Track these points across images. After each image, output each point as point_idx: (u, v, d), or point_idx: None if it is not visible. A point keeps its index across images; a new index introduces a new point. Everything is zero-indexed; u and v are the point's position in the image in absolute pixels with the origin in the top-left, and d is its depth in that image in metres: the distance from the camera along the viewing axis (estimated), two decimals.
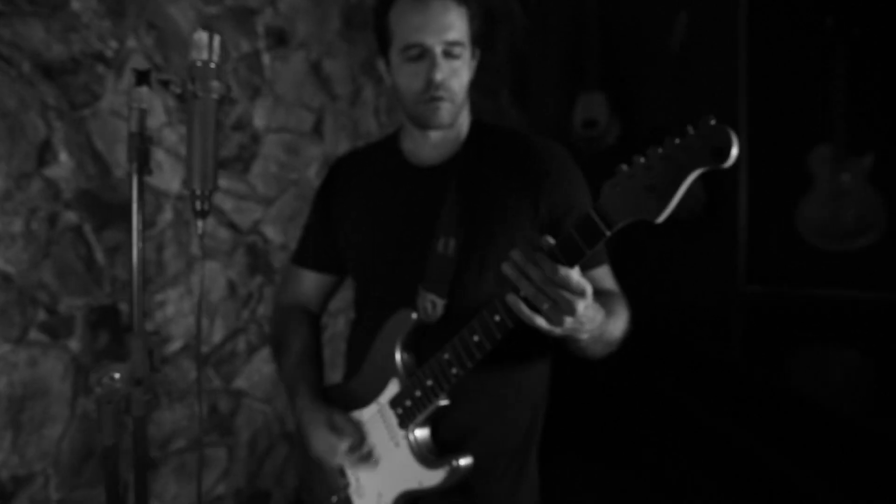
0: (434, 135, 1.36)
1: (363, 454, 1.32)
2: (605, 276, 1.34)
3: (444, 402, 1.26)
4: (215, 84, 1.17)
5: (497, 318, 1.10)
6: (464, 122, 1.39)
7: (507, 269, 1.01)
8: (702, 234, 3.42)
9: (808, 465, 2.42)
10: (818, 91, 2.93)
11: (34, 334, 1.99)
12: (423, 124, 1.32)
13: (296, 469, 2.69)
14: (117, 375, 1.10)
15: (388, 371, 1.31)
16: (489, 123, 1.44)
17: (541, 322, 1.02)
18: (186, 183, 1.16)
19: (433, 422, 1.31)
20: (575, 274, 0.99)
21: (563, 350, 1.30)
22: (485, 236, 1.29)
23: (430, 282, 1.30)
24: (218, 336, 2.47)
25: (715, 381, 2.92)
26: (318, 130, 2.78)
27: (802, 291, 3.11)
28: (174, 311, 2.34)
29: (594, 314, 1.07)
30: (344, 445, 1.29)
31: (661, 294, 3.42)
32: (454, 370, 1.18)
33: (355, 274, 1.48)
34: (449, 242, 1.29)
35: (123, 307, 2.20)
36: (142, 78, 1.17)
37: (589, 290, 1.00)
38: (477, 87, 1.38)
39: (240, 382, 2.54)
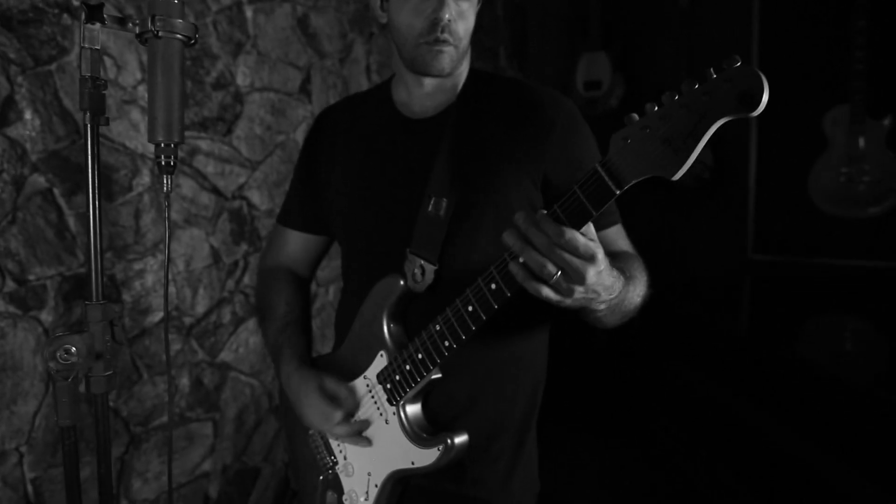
0: (429, 83, 1.24)
1: (359, 423, 1.22)
2: (618, 236, 1.23)
3: (436, 376, 1.16)
4: (179, 23, 1.03)
5: (493, 286, 0.99)
6: (463, 70, 1.26)
7: (508, 238, 0.91)
8: (709, 201, 3.30)
9: (816, 436, 2.34)
10: (835, 49, 2.78)
11: (2, 305, 1.86)
12: (422, 70, 1.19)
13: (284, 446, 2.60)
14: (73, 349, 0.97)
15: (375, 343, 1.21)
16: (489, 72, 1.31)
17: (548, 293, 0.90)
18: (149, 134, 1.02)
19: (425, 397, 1.21)
20: (582, 237, 0.87)
21: (562, 317, 1.19)
22: (481, 196, 1.17)
23: (419, 246, 1.18)
24: (201, 307, 2.35)
25: (721, 353, 2.83)
26: (305, 90, 2.62)
27: (813, 260, 3.00)
28: (154, 281, 2.21)
29: (613, 282, 0.95)
30: (339, 414, 1.19)
31: (665, 263, 3.30)
32: (447, 343, 1.08)
33: (341, 236, 1.36)
34: (440, 202, 1.17)
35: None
36: (93, 13, 1.03)
37: (600, 254, 0.89)
38: (471, 45, 1.25)
39: (225, 355, 2.42)
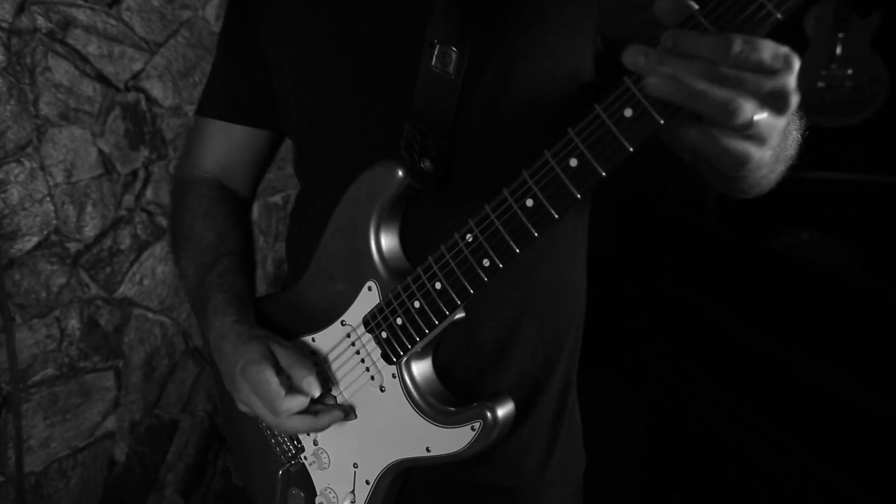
0: None
1: (336, 414, 0.84)
2: None
3: (459, 316, 0.78)
4: None
5: (573, 162, 0.62)
6: None
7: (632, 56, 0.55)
8: None
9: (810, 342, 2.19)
10: None
11: None
12: None
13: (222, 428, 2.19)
14: None
15: (359, 270, 0.81)
16: None
17: (736, 145, 0.56)
18: None
19: (436, 347, 0.83)
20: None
21: None
22: (506, 40, 0.79)
23: (423, 116, 0.79)
24: (91, 229, 1.85)
25: (691, 256, 2.64)
26: None
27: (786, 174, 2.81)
28: (23, 196, 1.69)
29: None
30: (289, 403, 0.79)
31: (626, 172, 3.04)
32: (486, 262, 0.70)
33: (297, 116, 0.92)
34: (448, 53, 0.77)
35: None
36: None
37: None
38: None
39: (126, 289, 1.95)
